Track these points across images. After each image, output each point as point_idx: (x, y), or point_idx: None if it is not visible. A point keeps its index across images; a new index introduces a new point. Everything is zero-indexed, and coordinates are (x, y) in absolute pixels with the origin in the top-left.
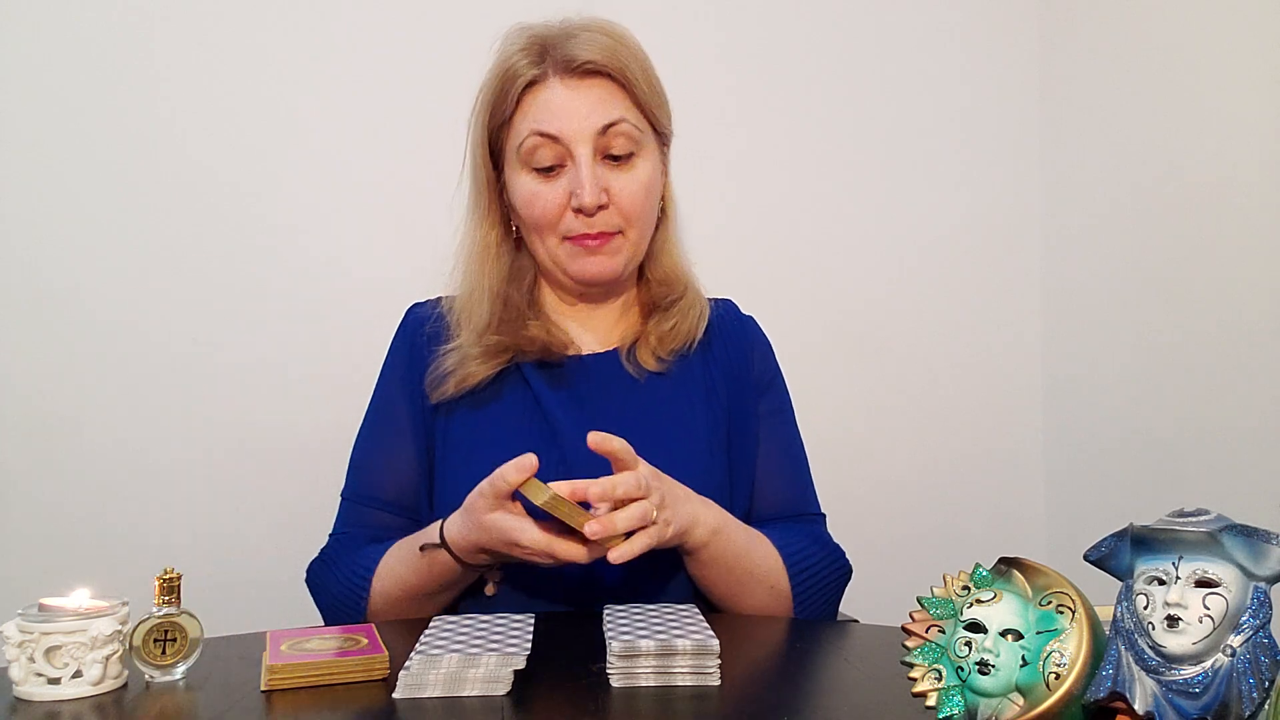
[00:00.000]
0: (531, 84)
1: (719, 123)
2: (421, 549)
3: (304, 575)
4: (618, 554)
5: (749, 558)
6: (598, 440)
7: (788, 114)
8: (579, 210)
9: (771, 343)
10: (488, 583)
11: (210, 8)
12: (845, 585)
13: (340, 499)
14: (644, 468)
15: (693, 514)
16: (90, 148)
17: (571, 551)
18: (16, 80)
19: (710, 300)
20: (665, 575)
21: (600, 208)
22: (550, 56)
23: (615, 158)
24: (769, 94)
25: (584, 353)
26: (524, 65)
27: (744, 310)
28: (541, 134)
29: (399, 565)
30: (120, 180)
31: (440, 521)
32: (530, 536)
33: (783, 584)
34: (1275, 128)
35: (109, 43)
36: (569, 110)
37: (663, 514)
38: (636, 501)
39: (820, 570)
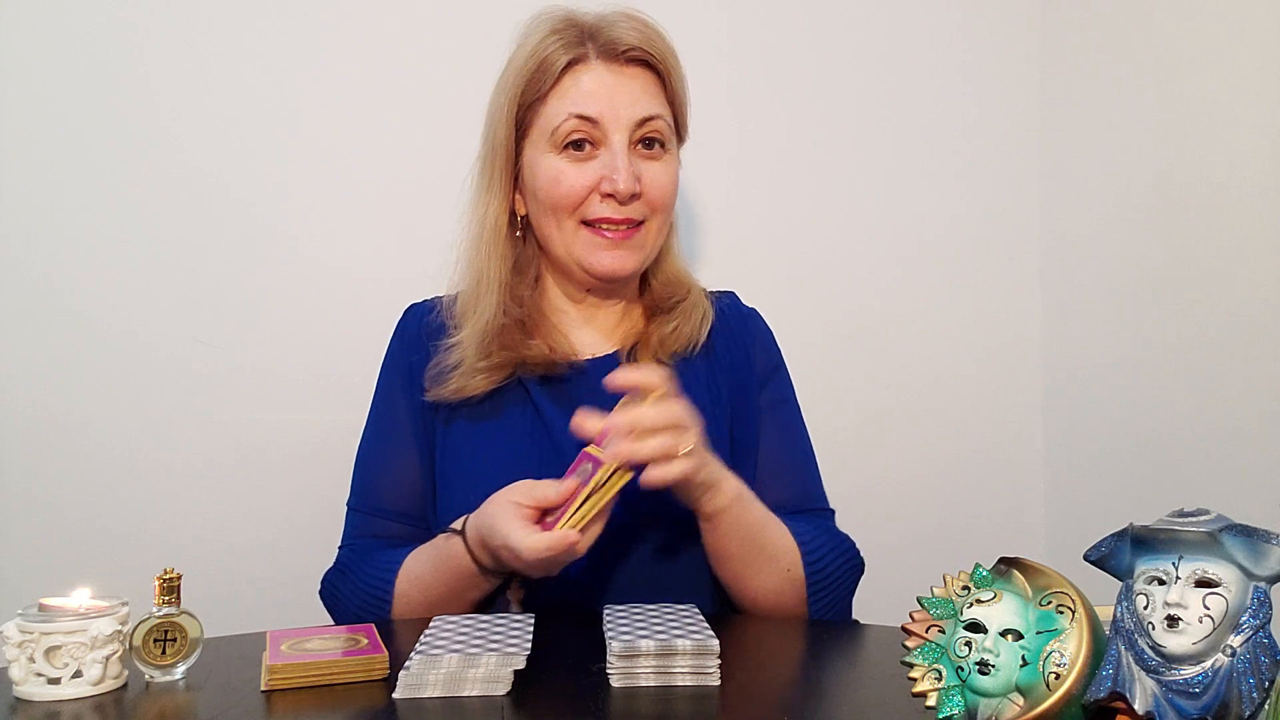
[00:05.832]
0: (572, 63)
1: (718, 121)
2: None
3: (303, 575)
4: (654, 474)
5: (764, 534)
6: (620, 377)
7: (788, 113)
8: (609, 195)
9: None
10: (510, 601)
11: (211, 11)
12: (858, 580)
13: (347, 508)
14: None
15: (720, 472)
16: (90, 148)
17: (526, 540)
18: (18, 80)
19: (712, 294)
20: (666, 582)
21: (633, 196)
22: (592, 40)
23: (648, 147)
24: (770, 92)
25: (585, 357)
26: (564, 45)
27: (746, 305)
28: (581, 117)
29: (418, 567)
30: (119, 181)
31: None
32: (501, 523)
33: (798, 570)
34: (1275, 128)
35: (110, 46)
36: (611, 95)
37: (699, 454)
38: (666, 430)
39: (834, 562)
